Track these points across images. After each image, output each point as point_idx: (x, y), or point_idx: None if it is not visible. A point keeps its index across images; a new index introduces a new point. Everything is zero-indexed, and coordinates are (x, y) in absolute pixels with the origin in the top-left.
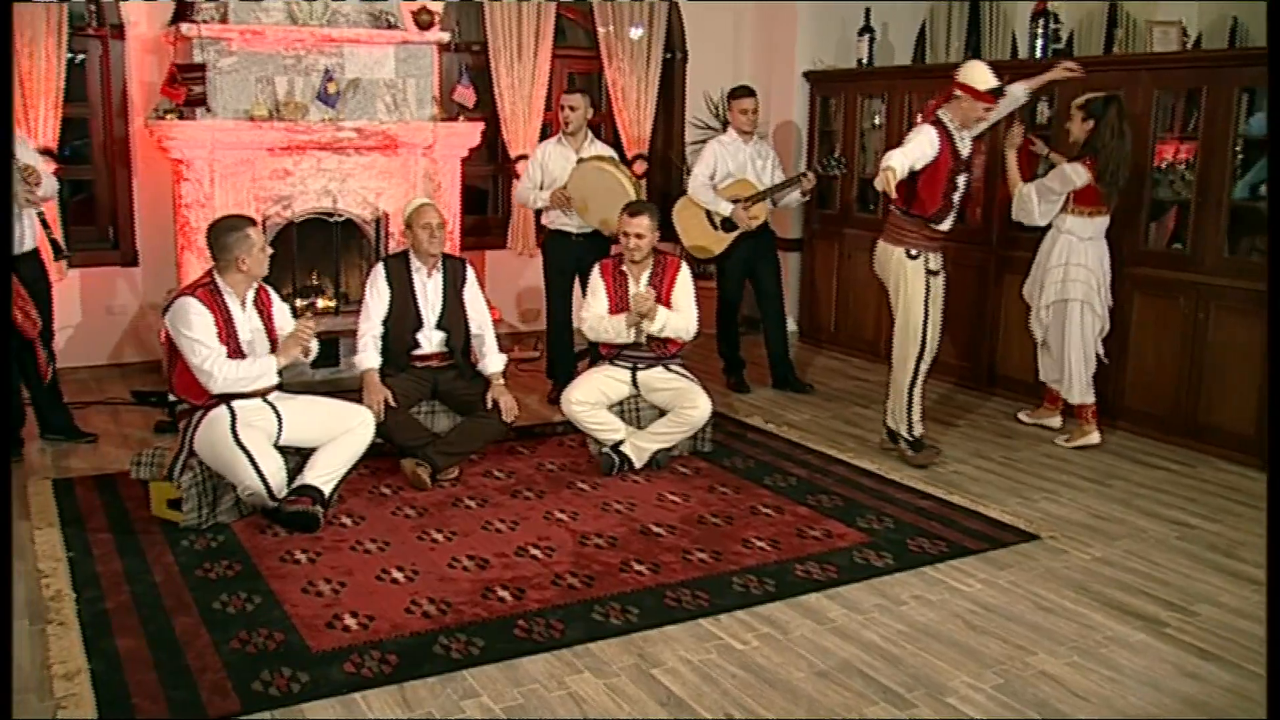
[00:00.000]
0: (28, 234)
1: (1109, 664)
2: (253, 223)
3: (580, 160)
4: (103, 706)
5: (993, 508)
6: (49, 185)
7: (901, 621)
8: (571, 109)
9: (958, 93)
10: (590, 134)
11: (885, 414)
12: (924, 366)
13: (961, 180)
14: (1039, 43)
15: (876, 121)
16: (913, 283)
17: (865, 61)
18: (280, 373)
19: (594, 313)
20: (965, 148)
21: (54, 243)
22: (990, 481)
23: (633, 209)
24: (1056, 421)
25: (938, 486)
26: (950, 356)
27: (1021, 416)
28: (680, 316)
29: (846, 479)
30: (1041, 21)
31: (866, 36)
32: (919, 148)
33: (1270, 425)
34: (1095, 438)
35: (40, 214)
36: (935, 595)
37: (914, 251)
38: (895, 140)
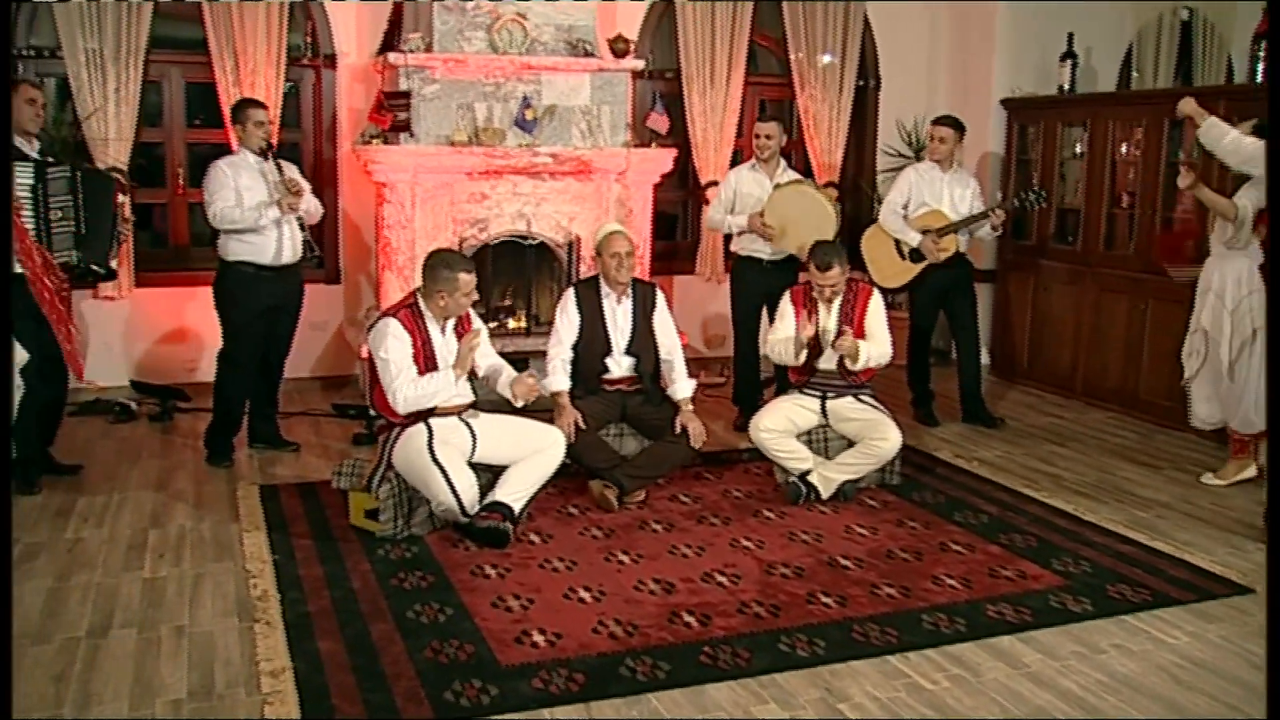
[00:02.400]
0: (286, 246)
1: None
2: (468, 269)
3: (777, 186)
4: (305, 705)
5: (1201, 557)
6: (311, 202)
7: (1101, 671)
8: (767, 137)
9: None
10: (783, 161)
11: None
12: None
13: None
14: (1259, 65)
15: (1077, 150)
16: None
17: (1067, 88)
18: (476, 390)
19: (777, 335)
20: None
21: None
22: (1197, 529)
23: (822, 261)
24: (1253, 471)
25: (1140, 531)
26: (1155, 395)
27: (1211, 480)
28: (877, 345)
29: (1040, 518)
30: (1263, 43)
31: (1069, 62)
32: None
33: (1270, 425)
34: (1253, 470)
35: (305, 231)
36: (1137, 645)
37: None
38: (1097, 170)
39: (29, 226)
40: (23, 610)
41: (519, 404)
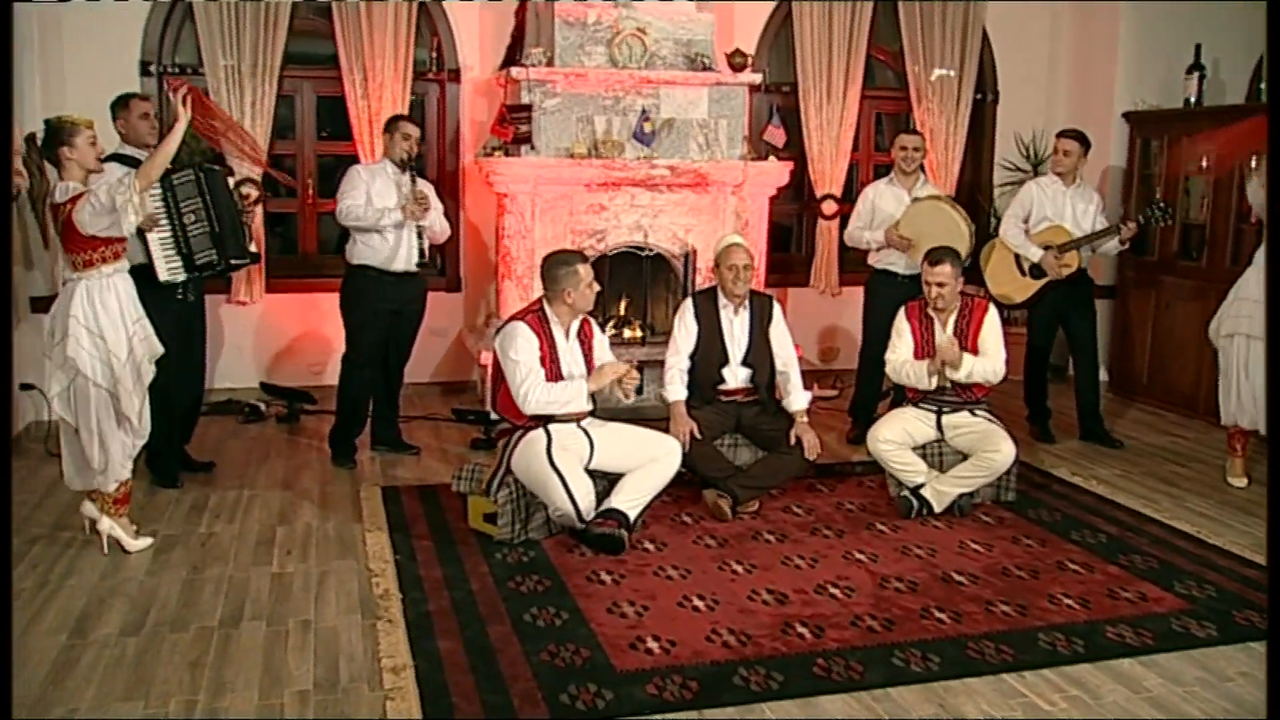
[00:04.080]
0: (401, 254)
1: None
2: (584, 260)
3: (914, 200)
4: (426, 702)
5: None
6: (439, 222)
7: (1227, 699)
8: (915, 149)
9: None
10: (923, 175)
11: None
12: None
13: None
14: None
15: (1204, 164)
16: None
17: (1194, 100)
18: (594, 400)
19: (899, 356)
20: None
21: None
22: None
23: (933, 257)
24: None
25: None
26: None
27: (1238, 482)
28: (987, 361)
29: (1161, 540)
30: None
31: (1196, 74)
32: None
33: (1270, 425)
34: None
35: (421, 244)
36: (1266, 674)
37: None
38: (1225, 184)
39: (167, 236)
40: (160, 599)
41: (628, 400)
